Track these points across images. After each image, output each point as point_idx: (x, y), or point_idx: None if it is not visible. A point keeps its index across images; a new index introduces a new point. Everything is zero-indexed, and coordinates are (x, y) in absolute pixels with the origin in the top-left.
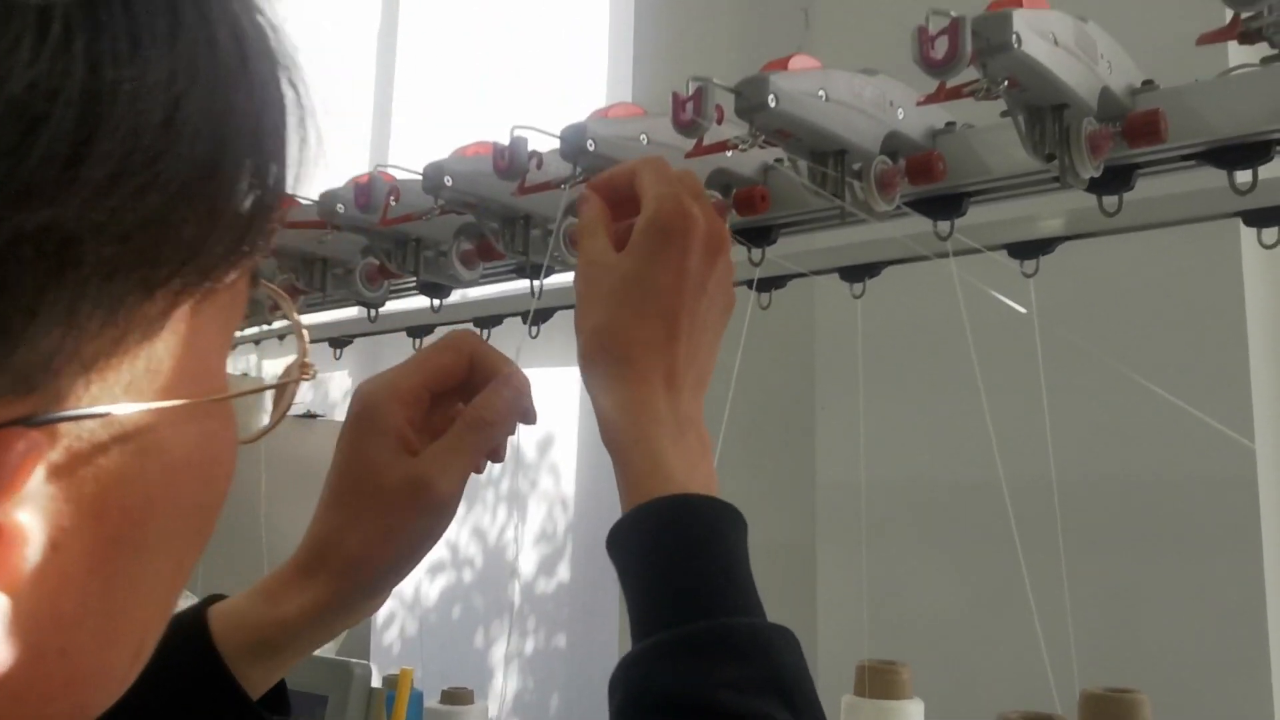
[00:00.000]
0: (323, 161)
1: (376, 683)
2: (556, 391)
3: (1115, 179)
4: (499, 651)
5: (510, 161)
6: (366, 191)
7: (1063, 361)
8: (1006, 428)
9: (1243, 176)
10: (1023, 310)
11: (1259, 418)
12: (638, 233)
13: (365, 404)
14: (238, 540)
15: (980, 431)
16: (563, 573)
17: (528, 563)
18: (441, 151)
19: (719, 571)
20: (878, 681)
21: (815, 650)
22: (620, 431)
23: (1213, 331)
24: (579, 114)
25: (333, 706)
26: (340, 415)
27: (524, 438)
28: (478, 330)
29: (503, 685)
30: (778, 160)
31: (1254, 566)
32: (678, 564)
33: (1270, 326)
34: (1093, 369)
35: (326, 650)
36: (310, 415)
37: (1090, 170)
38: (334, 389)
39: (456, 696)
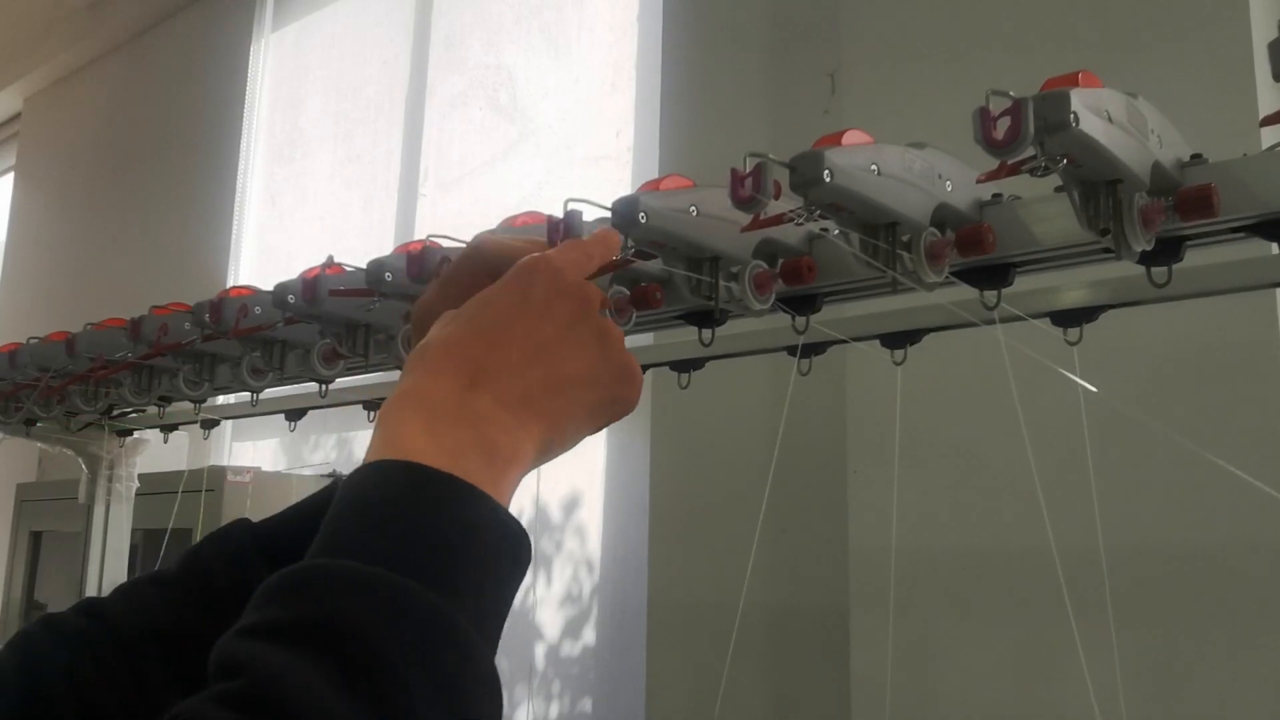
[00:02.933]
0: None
1: None
2: (585, 453)
3: (1165, 251)
4: (522, 716)
5: (565, 234)
6: (419, 261)
7: (1105, 429)
8: (1047, 495)
9: None
10: (1093, 389)
11: None
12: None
13: (418, 319)
14: None
15: (1014, 499)
16: (588, 636)
17: (553, 626)
18: (468, 222)
19: (369, 521)
20: None
21: (849, 716)
22: (386, 406)
23: (1253, 394)
24: (605, 180)
25: None
26: None
27: (550, 499)
28: None
29: None
30: (823, 230)
31: None
32: (339, 513)
33: None
34: (1135, 436)
35: None
36: (335, 475)
37: (1143, 243)
38: (358, 448)
39: None
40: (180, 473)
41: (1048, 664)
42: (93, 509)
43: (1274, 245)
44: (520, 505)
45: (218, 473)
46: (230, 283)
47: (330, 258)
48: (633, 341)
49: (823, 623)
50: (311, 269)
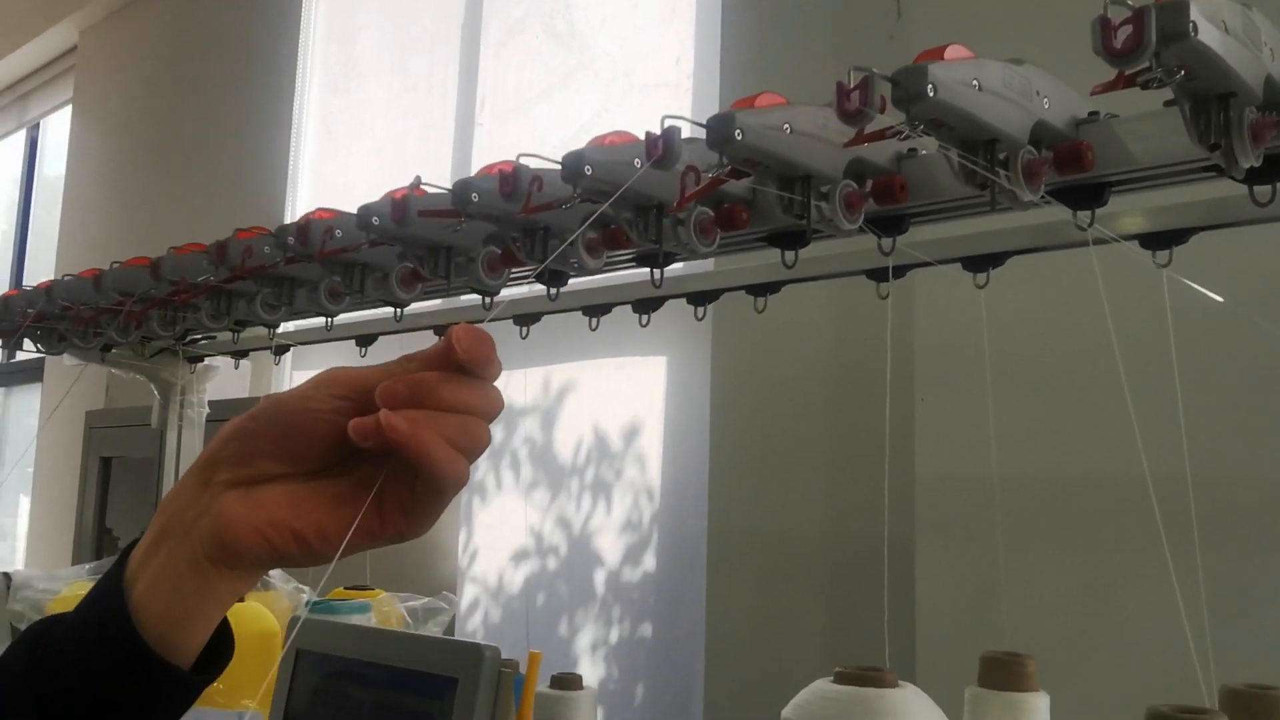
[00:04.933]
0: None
1: None
2: (646, 381)
3: (1271, 168)
4: (584, 639)
5: (665, 150)
6: (512, 180)
7: (1186, 358)
8: (1121, 423)
9: None
10: (1219, 299)
11: None
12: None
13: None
14: None
15: (1087, 427)
16: (649, 562)
17: (613, 552)
18: (526, 151)
19: None
20: (1004, 673)
21: (914, 645)
22: None
23: None
24: (666, 107)
25: (463, 689)
26: None
27: (610, 427)
28: (585, 318)
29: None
30: (912, 150)
31: None
32: None
33: None
34: (1215, 364)
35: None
36: None
37: (1250, 160)
38: None
39: (566, 682)
40: (249, 399)
41: (1118, 593)
42: (165, 434)
43: None
44: (580, 434)
45: None
46: (288, 216)
47: (418, 178)
48: (702, 265)
49: (887, 552)
50: (398, 189)
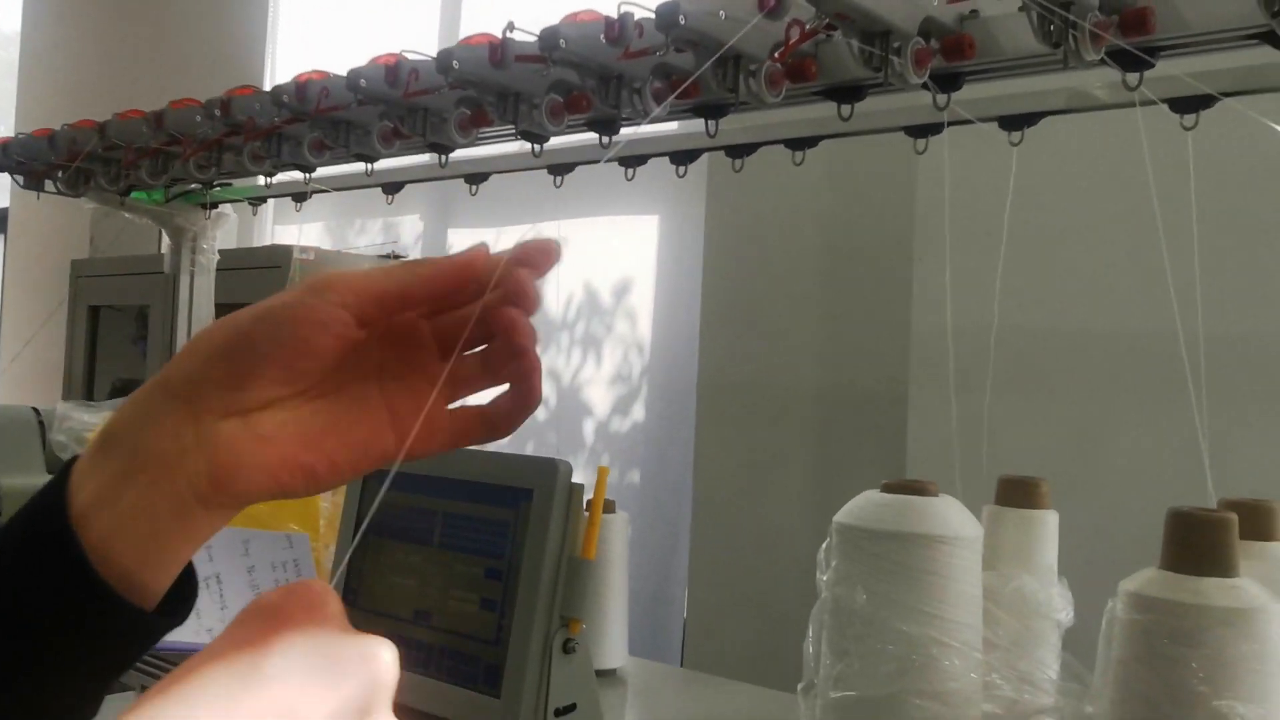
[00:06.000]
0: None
1: None
2: (636, 238)
3: None
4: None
5: (620, 32)
6: (617, 26)
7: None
8: (1119, 281)
9: None
10: None
11: None
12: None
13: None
14: None
15: (1077, 282)
16: (638, 413)
17: (602, 404)
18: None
19: None
20: (1020, 492)
21: None
22: None
23: None
24: None
25: (538, 499)
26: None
27: (601, 284)
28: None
29: None
30: (973, 12)
31: None
32: None
33: None
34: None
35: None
36: (394, 256)
37: None
38: (405, 231)
39: (604, 506)
40: (246, 250)
41: (1099, 437)
42: (178, 279)
43: None
44: (571, 290)
45: (284, 251)
46: (267, 75)
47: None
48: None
49: (878, 401)
50: (478, 35)
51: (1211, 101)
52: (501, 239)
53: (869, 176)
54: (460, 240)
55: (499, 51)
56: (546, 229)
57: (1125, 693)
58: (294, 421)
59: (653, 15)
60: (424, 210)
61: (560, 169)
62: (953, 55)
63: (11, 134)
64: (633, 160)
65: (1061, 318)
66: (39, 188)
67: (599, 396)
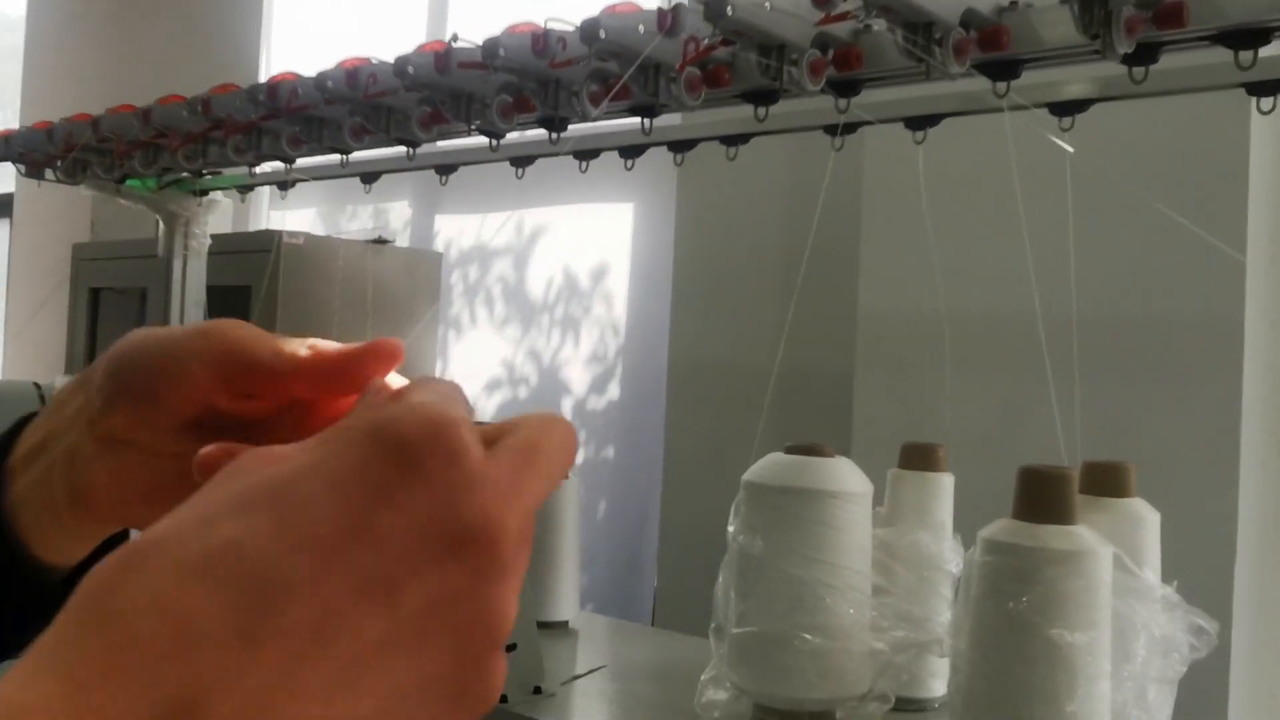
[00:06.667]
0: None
1: None
2: (612, 224)
3: (1143, 53)
4: None
5: (673, 22)
6: (542, 39)
7: (1087, 213)
8: (1038, 267)
9: (1246, 56)
10: (1070, 149)
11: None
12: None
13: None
14: None
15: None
16: (613, 391)
17: (579, 383)
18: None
19: None
20: (919, 457)
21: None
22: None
23: (1216, 189)
24: None
25: None
26: (402, 243)
27: (579, 268)
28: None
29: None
30: (867, 25)
31: (1232, 398)
32: None
33: (1271, 187)
34: (1111, 218)
35: None
36: (381, 241)
37: (1126, 47)
38: (393, 218)
39: None
40: (238, 234)
41: (1026, 411)
42: (171, 263)
43: (1233, 52)
44: (550, 274)
45: (273, 236)
46: (263, 67)
47: (455, 34)
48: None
49: (827, 380)
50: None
51: (1085, 106)
52: (485, 224)
53: (822, 168)
54: (446, 225)
55: (444, 59)
56: (528, 215)
57: (978, 625)
58: (145, 468)
59: (577, 29)
60: (412, 197)
61: (520, 161)
62: (843, 66)
63: (17, 118)
64: (586, 154)
65: (982, 302)
66: (40, 176)
67: (576, 376)
